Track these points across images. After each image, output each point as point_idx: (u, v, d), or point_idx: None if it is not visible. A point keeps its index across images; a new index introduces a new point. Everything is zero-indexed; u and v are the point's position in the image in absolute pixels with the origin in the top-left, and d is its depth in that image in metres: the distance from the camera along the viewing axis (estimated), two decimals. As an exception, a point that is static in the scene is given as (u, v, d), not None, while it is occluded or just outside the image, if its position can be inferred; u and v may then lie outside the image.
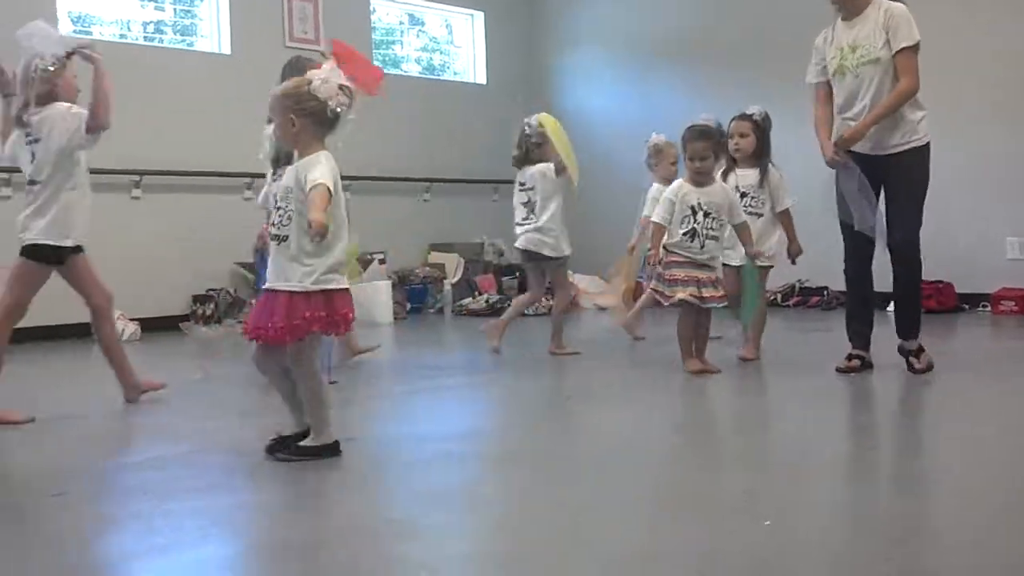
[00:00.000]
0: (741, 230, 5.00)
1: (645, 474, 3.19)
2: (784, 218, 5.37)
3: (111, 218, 6.98)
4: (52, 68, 4.18)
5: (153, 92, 7.82)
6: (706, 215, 4.86)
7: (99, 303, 4.42)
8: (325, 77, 3.29)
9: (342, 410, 4.22)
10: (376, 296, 7.94)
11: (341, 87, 3.29)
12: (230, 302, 7.93)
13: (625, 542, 2.44)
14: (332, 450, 3.38)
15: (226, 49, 8.59)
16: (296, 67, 4.50)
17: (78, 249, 4.34)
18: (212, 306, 7.89)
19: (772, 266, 5.38)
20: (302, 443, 3.38)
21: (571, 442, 3.78)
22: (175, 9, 8.75)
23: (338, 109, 3.28)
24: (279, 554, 2.44)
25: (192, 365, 5.90)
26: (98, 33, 8.29)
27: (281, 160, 4.34)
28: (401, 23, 10.28)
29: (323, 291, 3.28)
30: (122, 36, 8.41)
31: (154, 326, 7.63)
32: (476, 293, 9.17)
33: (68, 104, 4.27)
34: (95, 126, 4.22)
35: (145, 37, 8.54)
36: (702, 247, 4.88)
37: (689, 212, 4.86)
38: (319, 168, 3.23)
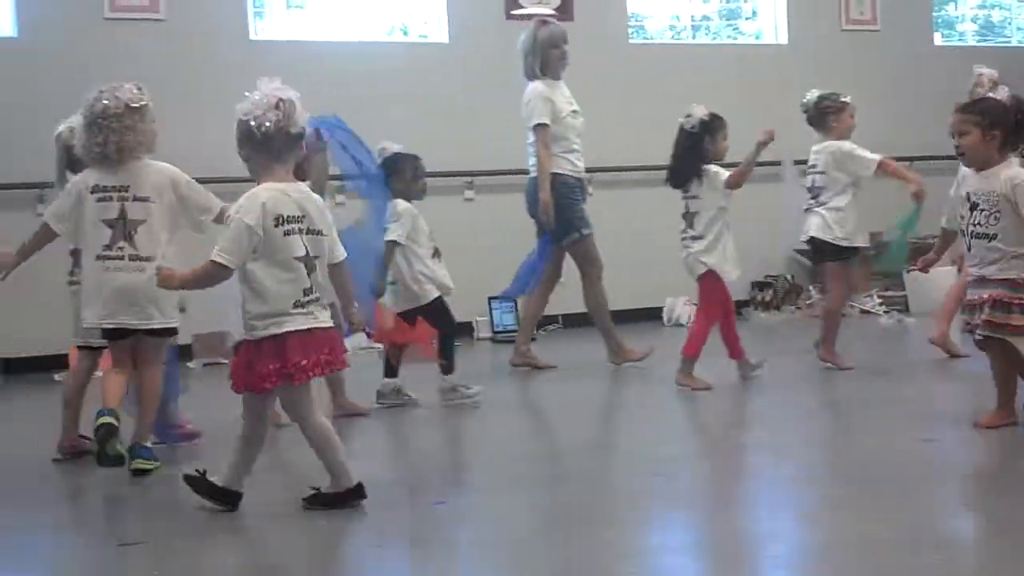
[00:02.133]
0: None
1: None
2: None
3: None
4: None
5: (709, 86, 7.80)
6: (973, 207, 3.63)
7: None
8: (252, 95, 2.88)
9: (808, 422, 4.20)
10: (943, 282, 7.50)
11: (279, 102, 2.84)
12: (788, 288, 7.98)
13: None
14: (355, 494, 3.02)
15: (783, 39, 8.47)
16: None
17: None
18: (771, 292, 7.98)
19: None
20: (323, 490, 3.04)
21: None
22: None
23: (263, 127, 2.83)
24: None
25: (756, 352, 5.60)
26: (651, 28, 8.54)
27: None
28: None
29: (272, 337, 2.91)
30: (671, 27, 8.62)
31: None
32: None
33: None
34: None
35: (693, 27, 8.68)
36: (969, 249, 3.69)
37: (960, 204, 3.74)
38: (235, 208, 2.91)
